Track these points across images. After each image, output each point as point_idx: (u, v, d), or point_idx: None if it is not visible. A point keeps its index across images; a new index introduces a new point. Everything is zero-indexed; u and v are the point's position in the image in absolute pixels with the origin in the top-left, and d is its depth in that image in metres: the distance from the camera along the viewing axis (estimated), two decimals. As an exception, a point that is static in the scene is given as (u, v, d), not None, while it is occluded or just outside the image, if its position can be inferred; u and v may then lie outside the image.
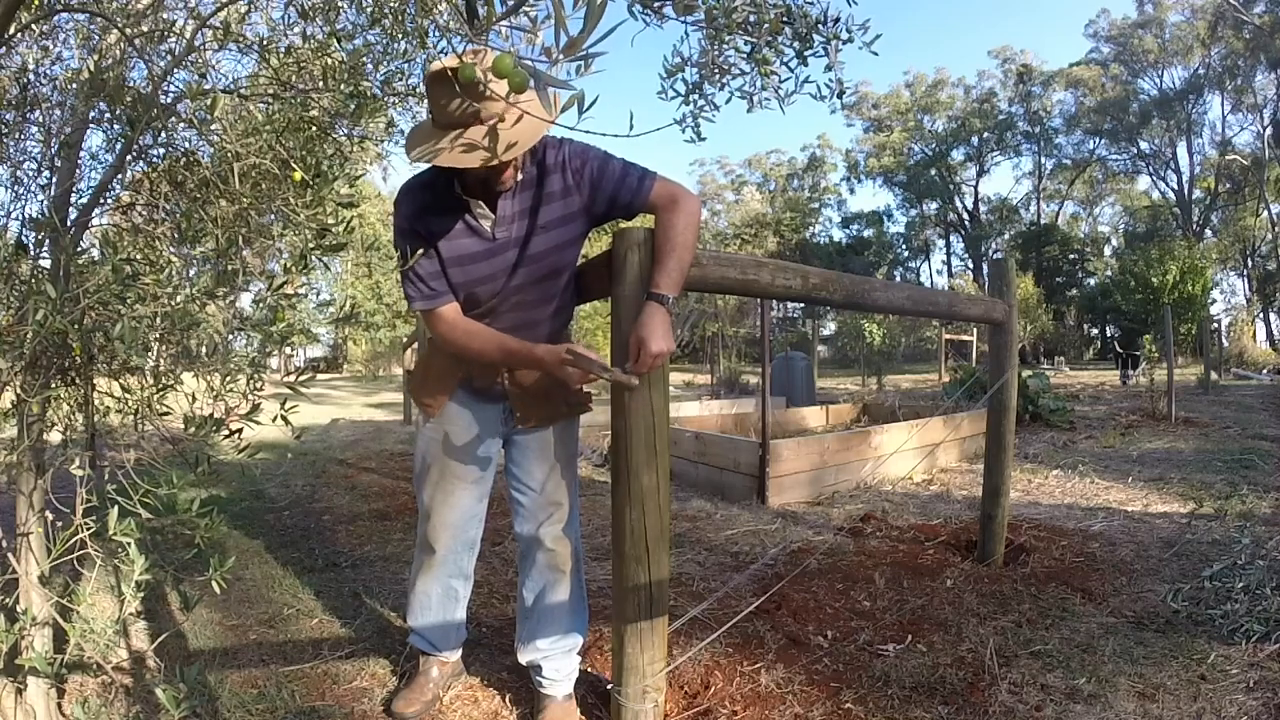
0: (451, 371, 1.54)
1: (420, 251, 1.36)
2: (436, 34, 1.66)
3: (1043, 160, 36.24)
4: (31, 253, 1.21)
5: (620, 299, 1.37)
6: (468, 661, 1.85)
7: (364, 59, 1.52)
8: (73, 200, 1.42)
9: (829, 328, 27.56)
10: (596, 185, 1.41)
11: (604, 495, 3.78)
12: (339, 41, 1.50)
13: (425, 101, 1.31)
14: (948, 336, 14.62)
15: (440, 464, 1.57)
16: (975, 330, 13.53)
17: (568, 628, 1.62)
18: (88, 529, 1.10)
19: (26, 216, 1.37)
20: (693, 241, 1.37)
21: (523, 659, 1.64)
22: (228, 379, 1.11)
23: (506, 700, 1.69)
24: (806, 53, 1.26)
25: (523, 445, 1.60)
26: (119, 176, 1.43)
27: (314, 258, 1.22)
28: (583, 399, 1.61)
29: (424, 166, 1.36)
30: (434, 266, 1.40)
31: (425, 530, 1.63)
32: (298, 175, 1.15)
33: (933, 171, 37.29)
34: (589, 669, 1.81)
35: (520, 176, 1.39)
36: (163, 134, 1.41)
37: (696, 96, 1.29)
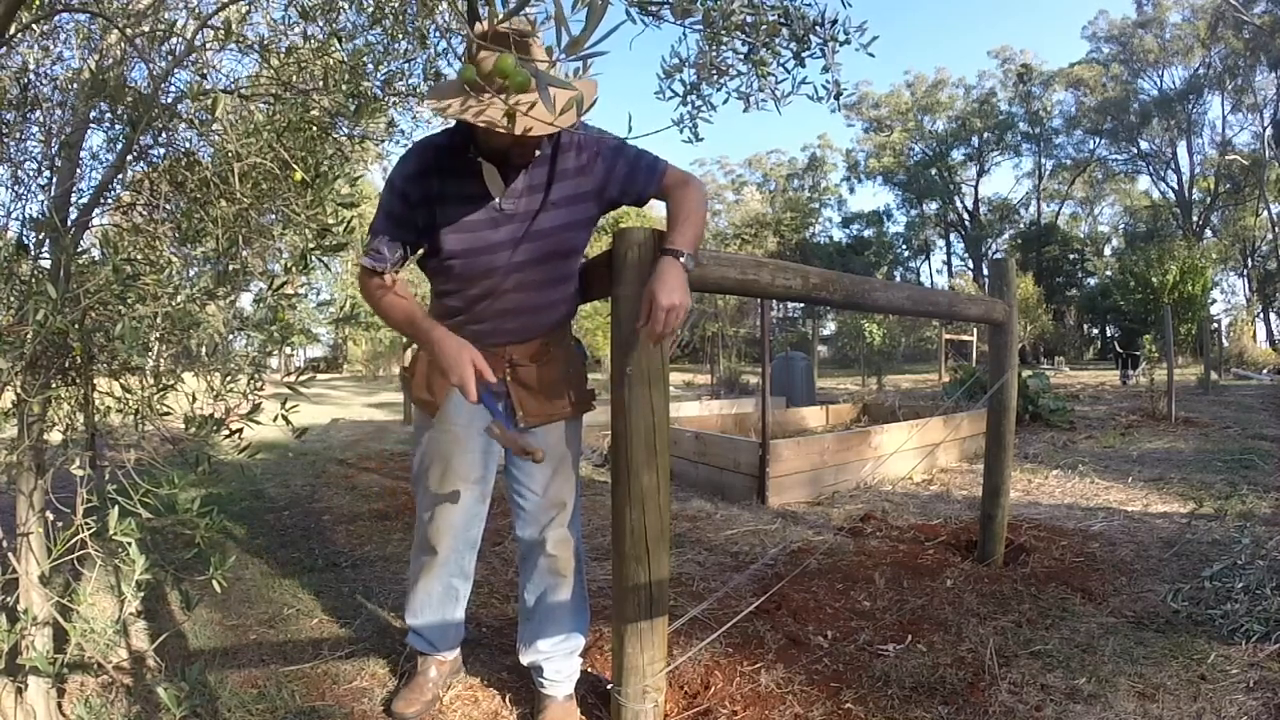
0: None
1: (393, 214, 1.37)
2: (437, 34, 1.66)
3: (1043, 160, 36.26)
4: (32, 253, 1.21)
5: (620, 299, 1.38)
6: (468, 661, 1.85)
7: (364, 59, 1.52)
8: (73, 200, 1.42)
9: (829, 328, 27.54)
10: (611, 168, 1.43)
11: (604, 495, 3.78)
12: (339, 41, 1.50)
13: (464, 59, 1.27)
14: (948, 336, 14.62)
15: (441, 463, 1.56)
16: (975, 330, 13.53)
17: (569, 629, 1.61)
18: (88, 529, 1.10)
19: (27, 216, 1.37)
20: (705, 216, 1.41)
21: (524, 660, 1.64)
22: (228, 379, 1.12)
23: (506, 700, 1.69)
24: (804, 54, 1.26)
25: None
26: (119, 176, 1.44)
27: (314, 258, 1.22)
28: (587, 397, 1.60)
29: (434, 128, 1.37)
30: (398, 234, 1.39)
31: (427, 531, 1.61)
32: (298, 175, 1.15)
33: (933, 171, 37.28)
34: (589, 669, 1.81)
35: (538, 153, 1.39)
36: (163, 134, 1.42)
37: (694, 97, 1.29)
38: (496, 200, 1.39)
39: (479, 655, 1.92)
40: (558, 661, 1.60)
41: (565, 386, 1.55)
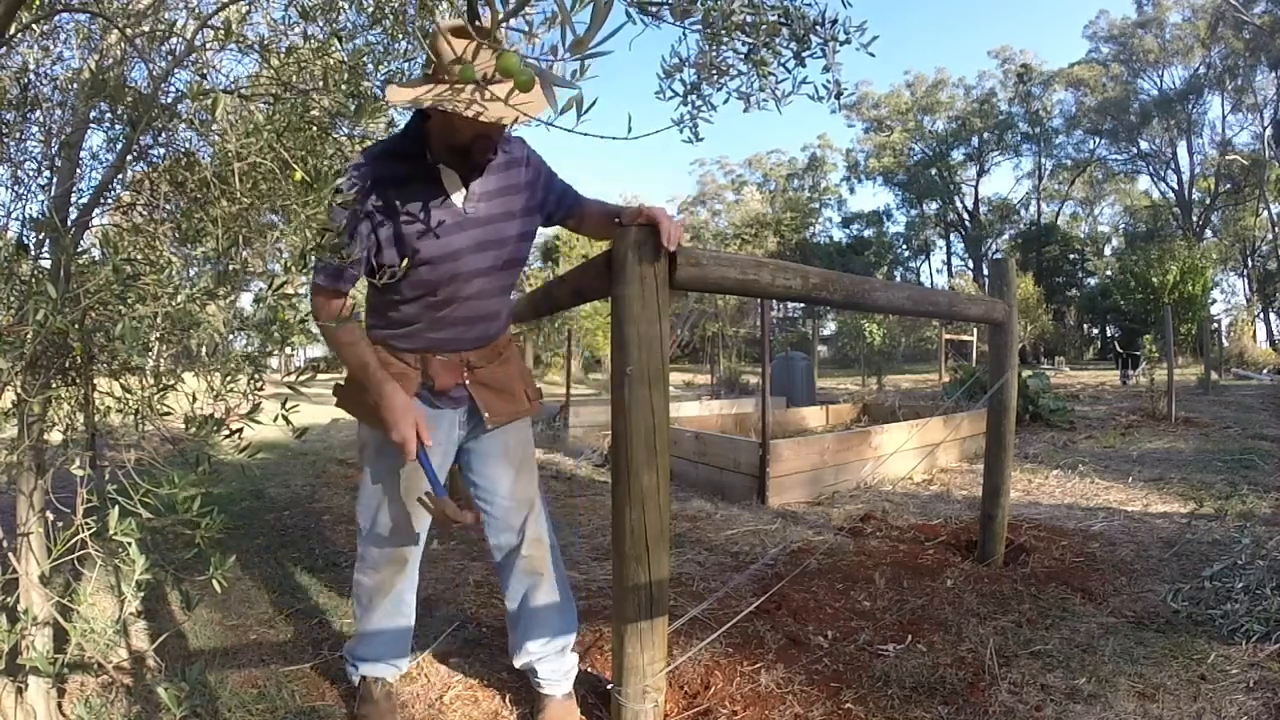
0: (409, 376, 1.46)
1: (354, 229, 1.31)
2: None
3: (1043, 160, 36.26)
4: (32, 253, 1.21)
5: (620, 299, 1.38)
6: (468, 662, 1.85)
7: (364, 59, 1.52)
8: (73, 200, 1.42)
9: (829, 328, 27.57)
10: (550, 185, 1.53)
11: (604, 495, 3.78)
12: (339, 41, 1.50)
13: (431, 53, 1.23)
14: (948, 336, 14.62)
15: (405, 478, 1.50)
16: (975, 330, 13.53)
17: (557, 628, 1.60)
18: (88, 529, 1.10)
19: (27, 216, 1.37)
20: None
21: (518, 664, 1.63)
22: (228, 379, 1.11)
23: (506, 700, 1.69)
24: (804, 54, 1.26)
25: (482, 453, 1.57)
26: (119, 176, 1.43)
27: (313, 258, 1.22)
28: (539, 394, 1.66)
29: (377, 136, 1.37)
30: (360, 252, 1.33)
31: (393, 549, 1.54)
32: (298, 175, 1.14)
33: (933, 171, 37.28)
34: (589, 669, 1.81)
35: (493, 158, 1.39)
36: (163, 134, 1.42)
37: (694, 97, 1.29)
38: (459, 204, 1.38)
39: (479, 655, 1.92)
40: (551, 661, 1.59)
41: (521, 383, 1.59)
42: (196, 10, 1.42)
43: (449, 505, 1.36)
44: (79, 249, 1.29)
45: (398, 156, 1.36)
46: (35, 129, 1.39)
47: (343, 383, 1.52)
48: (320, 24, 1.48)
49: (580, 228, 1.62)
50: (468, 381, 1.50)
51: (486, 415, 1.51)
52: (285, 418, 1.25)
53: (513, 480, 1.57)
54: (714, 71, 1.24)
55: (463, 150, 1.32)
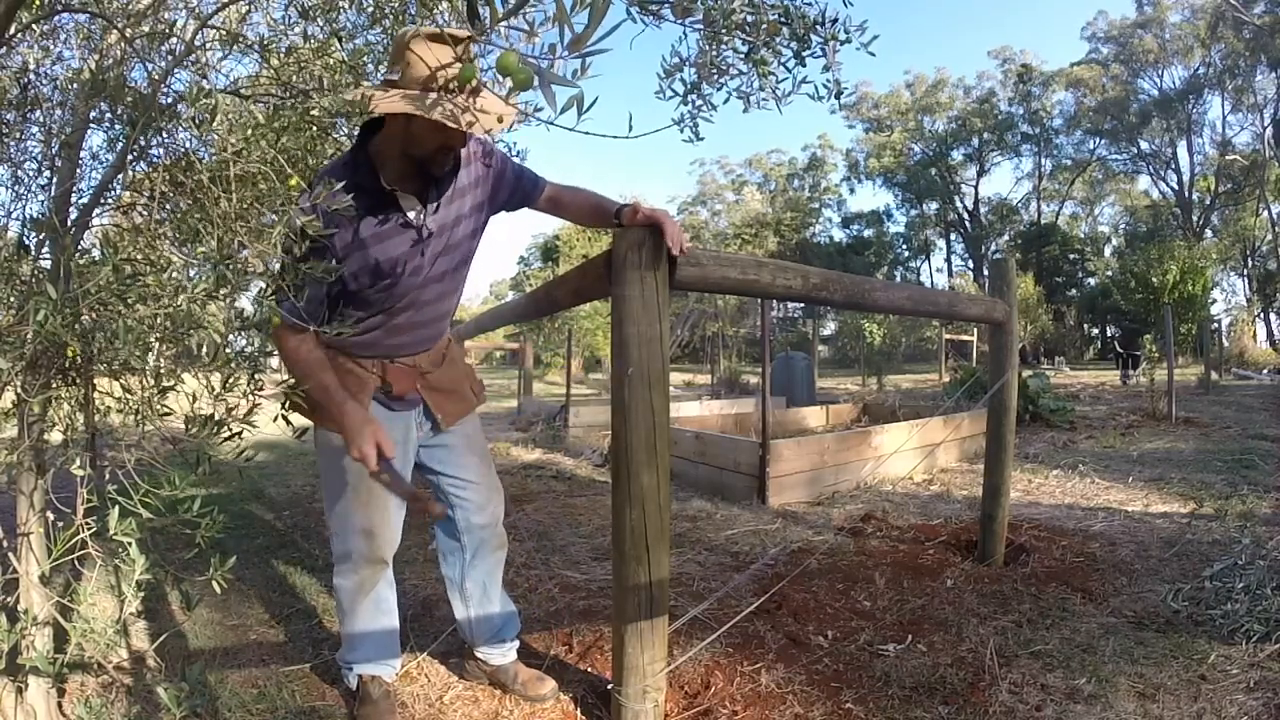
0: (366, 383, 1.47)
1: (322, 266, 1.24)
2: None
3: (1043, 160, 36.23)
4: (32, 253, 1.21)
5: (620, 299, 1.37)
6: (467, 663, 1.85)
7: (364, 59, 1.52)
8: (73, 200, 1.42)
9: (829, 328, 27.57)
10: (503, 174, 1.51)
11: (604, 495, 3.77)
12: (339, 41, 1.50)
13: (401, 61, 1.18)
14: (948, 336, 14.63)
15: (368, 482, 1.48)
16: (975, 330, 13.53)
17: (509, 602, 1.78)
18: (88, 529, 1.10)
19: (27, 216, 1.37)
20: None
21: (483, 650, 1.73)
22: (228, 379, 1.12)
23: (507, 700, 1.69)
24: (804, 54, 1.26)
25: (449, 445, 1.63)
26: (119, 176, 1.43)
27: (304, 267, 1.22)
28: (481, 388, 1.71)
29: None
30: (326, 289, 1.32)
31: (368, 550, 1.54)
32: (294, 182, 1.14)
33: (933, 171, 37.25)
34: (589, 669, 1.81)
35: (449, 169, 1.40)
36: (162, 134, 1.42)
37: (694, 96, 1.29)
38: (420, 224, 1.38)
39: (479, 655, 1.92)
40: (509, 630, 1.74)
41: (467, 381, 1.66)
42: (196, 10, 1.42)
43: (422, 493, 1.41)
44: (79, 249, 1.29)
45: (355, 189, 1.28)
46: (35, 129, 1.39)
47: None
48: (320, 24, 1.48)
49: (559, 212, 1.62)
50: (420, 387, 1.55)
51: (441, 418, 1.59)
52: (285, 418, 1.26)
53: (479, 466, 1.67)
54: (714, 71, 1.24)
55: (421, 161, 1.30)
